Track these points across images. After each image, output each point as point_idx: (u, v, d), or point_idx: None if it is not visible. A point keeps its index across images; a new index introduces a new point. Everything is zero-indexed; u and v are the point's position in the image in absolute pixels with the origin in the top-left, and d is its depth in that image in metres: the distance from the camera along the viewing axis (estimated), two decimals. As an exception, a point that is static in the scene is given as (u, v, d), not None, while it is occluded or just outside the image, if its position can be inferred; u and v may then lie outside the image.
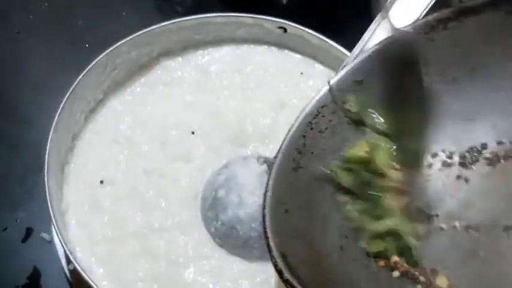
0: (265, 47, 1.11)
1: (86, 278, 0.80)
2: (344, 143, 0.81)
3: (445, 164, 0.81)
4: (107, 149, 1.01)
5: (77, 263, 0.82)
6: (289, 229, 0.75)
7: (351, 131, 0.82)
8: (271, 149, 0.97)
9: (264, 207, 0.74)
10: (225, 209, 0.89)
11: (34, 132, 1.11)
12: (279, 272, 0.69)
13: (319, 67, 1.10)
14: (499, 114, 0.79)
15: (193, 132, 1.01)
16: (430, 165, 0.81)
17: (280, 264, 0.69)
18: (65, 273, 0.96)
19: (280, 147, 0.79)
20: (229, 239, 0.89)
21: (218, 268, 0.89)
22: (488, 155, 0.79)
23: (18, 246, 0.99)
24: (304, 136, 0.80)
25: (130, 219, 0.93)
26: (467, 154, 0.80)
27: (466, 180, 0.79)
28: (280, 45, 1.11)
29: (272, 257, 0.70)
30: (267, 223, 0.73)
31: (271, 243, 0.71)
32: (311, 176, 0.79)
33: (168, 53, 1.11)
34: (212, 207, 0.91)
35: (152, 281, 0.88)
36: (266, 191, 0.75)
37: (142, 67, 1.10)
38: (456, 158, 0.80)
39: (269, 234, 0.72)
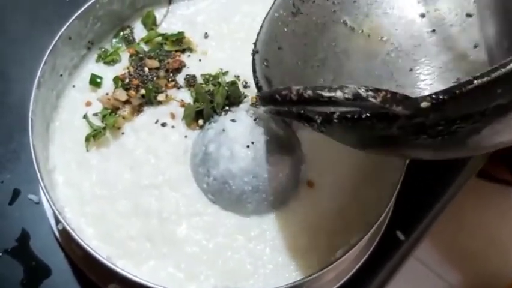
0: (253, -6, 1.08)
1: (76, 237, 0.78)
2: None
3: None
4: (93, 106, 0.97)
5: (67, 223, 0.80)
6: (279, 62, 0.79)
7: None
8: (262, 100, 0.95)
9: (256, 39, 0.80)
10: (216, 164, 0.87)
11: (18, 91, 1.07)
12: (259, 88, 0.74)
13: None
14: None
15: (181, 86, 0.98)
16: None
17: (262, 83, 0.74)
18: (54, 235, 0.94)
19: None
20: (222, 194, 0.88)
21: (211, 224, 0.88)
22: None
23: (5, 209, 0.97)
24: None
25: (119, 177, 0.91)
26: None
27: None
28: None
29: (255, 77, 0.75)
30: (258, 49, 0.78)
31: (258, 68, 0.76)
32: (312, 23, 0.83)
33: (152, 4, 1.07)
34: (203, 163, 0.89)
35: (145, 239, 0.87)
36: (260, 28, 0.81)
37: (125, 19, 1.06)
38: None
39: (257, 60, 0.77)
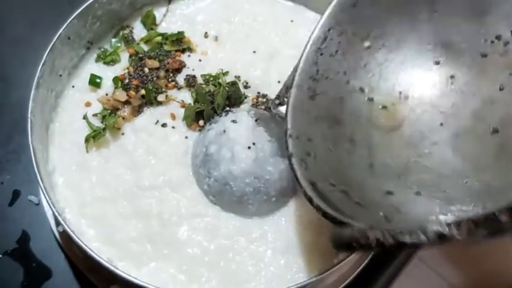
0: (254, -6, 1.07)
1: (77, 239, 0.78)
2: (358, 62, 0.82)
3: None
4: (93, 106, 0.97)
5: (67, 225, 0.79)
6: (314, 157, 0.76)
7: (364, 49, 0.82)
8: (263, 101, 0.95)
9: (286, 140, 0.76)
10: (217, 165, 0.87)
11: (18, 91, 1.07)
12: (309, 200, 0.69)
13: (310, 14, 1.07)
14: None
15: (181, 87, 0.97)
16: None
17: (310, 193, 0.69)
18: (54, 236, 0.94)
19: (293, 80, 0.80)
20: (223, 195, 0.87)
21: (212, 226, 0.87)
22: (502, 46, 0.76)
23: (5, 210, 0.97)
24: (316, 63, 0.81)
25: (119, 178, 0.90)
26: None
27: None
28: (269, -8, 1.07)
29: (301, 187, 0.71)
30: (291, 151, 0.75)
31: (298, 174, 0.72)
32: (331, 100, 0.80)
33: (152, 3, 1.07)
34: (203, 164, 0.88)
35: (146, 241, 0.86)
36: (287, 128, 0.77)
37: (125, 19, 1.06)
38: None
39: (294, 164, 0.74)
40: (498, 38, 0.75)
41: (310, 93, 0.80)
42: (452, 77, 0.79)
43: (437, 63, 0.81)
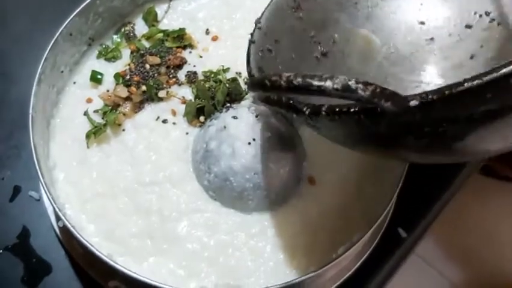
0: (256, -10, 1.07)
1: (77, 235, 0.78)
2: None
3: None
4: (94, 103, 0.97)
5: (67, 220, 0.79)
6: (274, 55, 0.79)
7: None
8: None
9: (254, 30, 0.81)
10: (217, 161, 0.87)
11: (19, 87, 1.07)
12: (251, 77, 0.74)
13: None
14: None
15: (182, 83, 0.98)
16: None
17: (255, 72, 0.74)
18: (55, 232, 0.94)
19: None
20: (223, 191, 0.87)
21: (212, 221, 0.87)
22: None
23: (6, 206, 0.97)
24: None
25: (120, 174, 0.91)
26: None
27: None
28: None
29: (248, 66, 0.76)
30: (255, 39, 0.80)
31: (252, 57, 0.77)
32: (312, 20, 0.83)
33: (153, 0, 1.07)
34: (204, 160, 0.88)
35: (146, 237, 0.86)
36: (259, 19, 0.82)
37: (126, 16, 1.06)
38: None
39: (252, 50, 0.78)
40: (487, 13, 0.80)
41: (295, 4, 0.83)
42: (431, 39, 0.82)
43: (422, 23, 0.85)
